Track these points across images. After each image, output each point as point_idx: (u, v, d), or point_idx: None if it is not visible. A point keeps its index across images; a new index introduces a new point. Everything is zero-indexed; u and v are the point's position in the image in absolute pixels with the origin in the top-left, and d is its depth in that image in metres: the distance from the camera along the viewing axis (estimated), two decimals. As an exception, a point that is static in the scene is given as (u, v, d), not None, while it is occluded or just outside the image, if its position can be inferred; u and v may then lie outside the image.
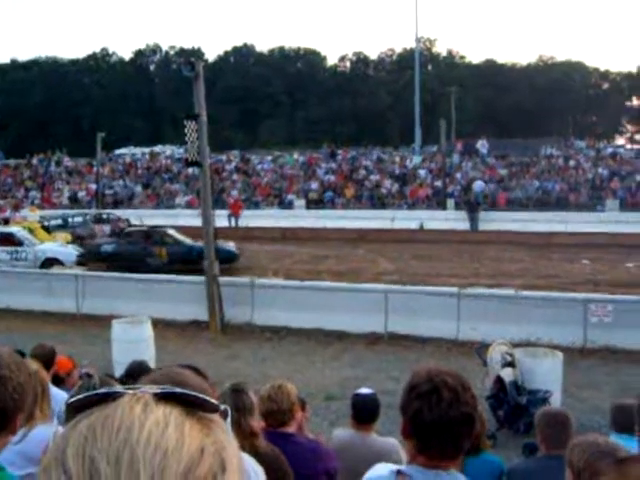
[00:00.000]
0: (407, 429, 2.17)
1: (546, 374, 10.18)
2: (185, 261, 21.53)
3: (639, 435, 1.99)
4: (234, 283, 16.79)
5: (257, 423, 3.64)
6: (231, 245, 22.99)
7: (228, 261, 20.43)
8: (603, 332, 13.76)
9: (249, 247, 28.99)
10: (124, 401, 0.79)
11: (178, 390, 0.82)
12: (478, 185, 38.18)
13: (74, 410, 0.81)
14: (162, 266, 21.60)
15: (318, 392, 11.22)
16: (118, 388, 0.83)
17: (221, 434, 0.82)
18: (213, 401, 0.83)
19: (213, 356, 13.57)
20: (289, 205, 40.21)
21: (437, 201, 38.13)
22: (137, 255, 22.34)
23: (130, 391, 0.82)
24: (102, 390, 0.82)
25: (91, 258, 22.97)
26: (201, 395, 0.82)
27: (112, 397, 0.81)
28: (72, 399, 0.82)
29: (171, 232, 23.75)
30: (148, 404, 0.79)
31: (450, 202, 37.30)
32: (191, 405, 0.82)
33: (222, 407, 0.86)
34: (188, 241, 22.93)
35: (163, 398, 0.81)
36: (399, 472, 2.17)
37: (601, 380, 11.95)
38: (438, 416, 2.08)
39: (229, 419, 0.89)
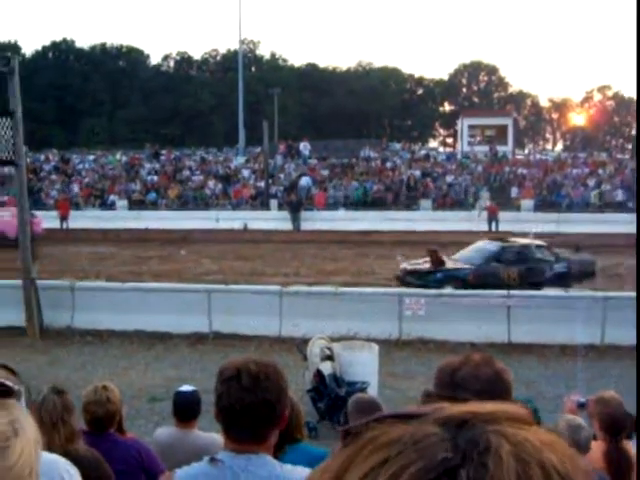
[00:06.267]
0: (216, 413, 2.31)
1: (363, 366, 10.53)
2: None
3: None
4: (53, 286, 16.19)
5: (77, 424, 3.68)
6: None
7: None
8: (416, 324, 14.57)
9: (69, 249, 28.11)
10: None
11: None
12: (305, 180, 39.02)
13: None
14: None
15: (142, 394, 11.14)
16: None
17: (15, 410, 1.21)
18: (8, 385, 1.07)
19: (32, 362, 13.04)
20: (111, 206, 39.21)
21: (260, 201, 38.54)
22: None
23: None
24: None
25: None
26: None
27: None
28: None
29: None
30: None
31: (273, 202, 37.84)
32: None
33: (16, 388, 1.07)
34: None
35: None
36: (212, 459, 2.27)
37: (415, 370, 12.58)
38: (235, 400, 2.22)
39: (23, 399, 1.10)
